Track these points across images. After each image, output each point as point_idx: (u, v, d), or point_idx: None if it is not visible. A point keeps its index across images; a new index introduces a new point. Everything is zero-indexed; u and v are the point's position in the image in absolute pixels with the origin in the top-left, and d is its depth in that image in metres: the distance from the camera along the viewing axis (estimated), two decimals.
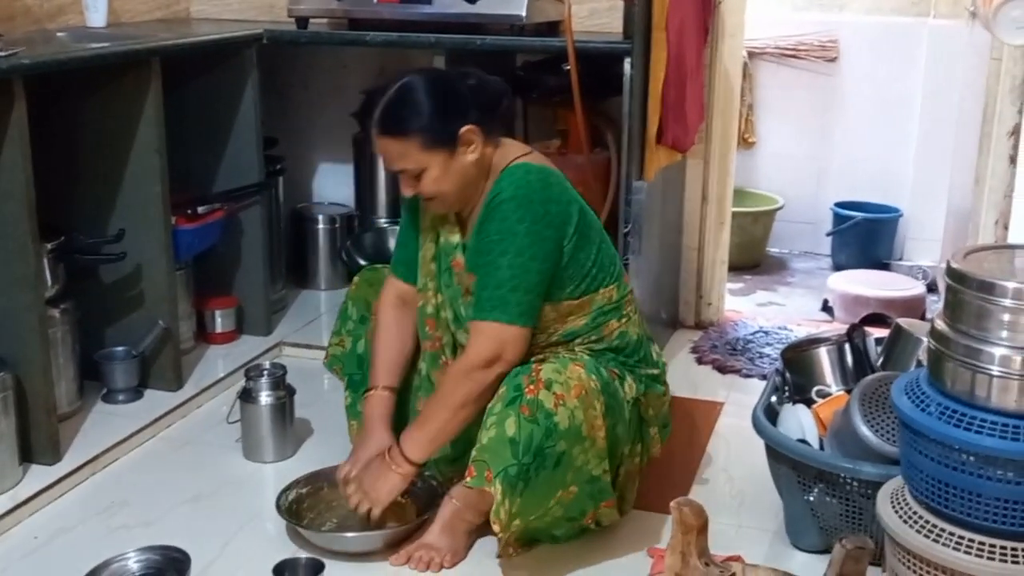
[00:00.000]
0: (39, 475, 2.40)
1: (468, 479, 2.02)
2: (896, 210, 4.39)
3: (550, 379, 2.00)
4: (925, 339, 1.92)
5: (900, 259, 4.41)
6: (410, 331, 2.30)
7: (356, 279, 2.51)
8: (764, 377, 3.04)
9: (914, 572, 1.75)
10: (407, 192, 2.13)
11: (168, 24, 3.49)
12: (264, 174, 3.22)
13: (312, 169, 3.96)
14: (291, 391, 2.62)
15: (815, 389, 2.37)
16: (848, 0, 4.45)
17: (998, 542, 1.67)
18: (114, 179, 2.75)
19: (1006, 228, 3.13)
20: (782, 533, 2.24)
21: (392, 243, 3.66)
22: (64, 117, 2.72)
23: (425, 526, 2.16)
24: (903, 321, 2.40)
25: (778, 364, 2.48)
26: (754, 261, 4.40)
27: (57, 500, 2.38)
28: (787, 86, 4.50)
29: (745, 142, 4.45)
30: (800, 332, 3.38)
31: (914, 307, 3.67)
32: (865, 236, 4.34)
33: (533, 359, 2.09)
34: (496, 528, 1.98)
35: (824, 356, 2.44)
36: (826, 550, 2.00)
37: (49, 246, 2.53)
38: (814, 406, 2.29)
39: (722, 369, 3.22)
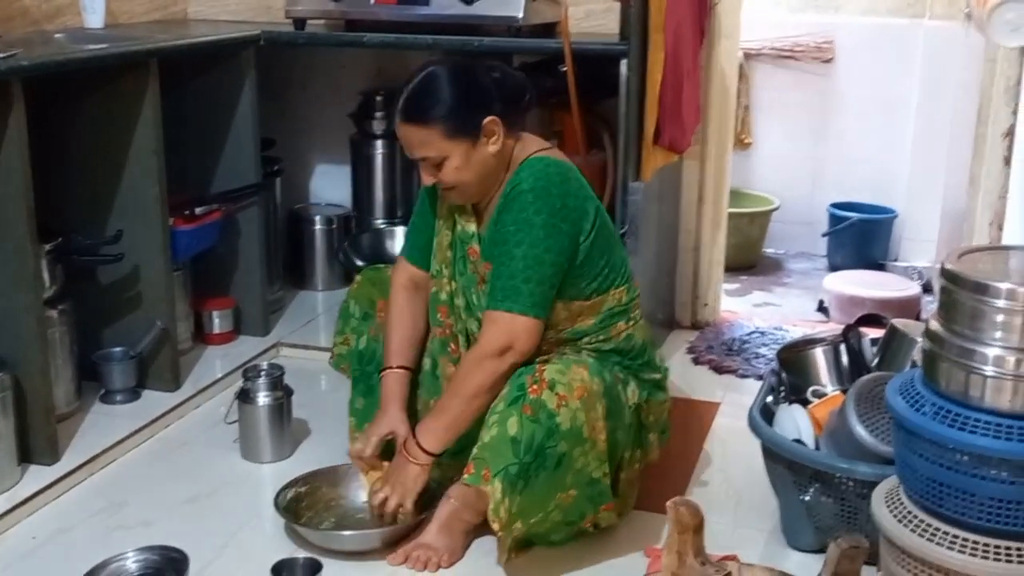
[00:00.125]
0: (37, 475, 2.41)
1: (465, 476, 2.03)
2: (891, 211, 4.41)
3: (554, 379, 2.01)
4: (920, 340, 1.93)
5: (895, 260, 4.42)
6: (422, 314, 2.31)
7: (358, 277, 2.52)
8: (760, 377, 3.04)
9: (909, 571, 1.76)
10: (427, 181, 2.14)
11: (165, 25, 3.49)
12: (262, 175, 3.23)
13: (310, 170, 3.96)
14: (289, 391, 2.62)
15: (811, 389, 2.38)
16: (844, 1, 4.46)
17: (992, 541, 1.68)
18: (112, 180, 2.75)
19: (1000, 229, 3.14)
20: (778, 533, 2.25)
21: (389, 244, 3.72)
22: (62, 118, 2.73)
23: (423, 526, 2.17)
24: (898, 322, 2.41)
25: (774, 364, 2.49)
26: (750, 262, 4.42)
27: (55, 500, 2.38)
28: (783, 87, 4.51)
29: (741, 143, 4.46)
30: (796, 332, 3.39)
31: (909, 308, 3.68)
32: (861, 237, 4.35)
33: (538, 359, 2.10)
34: (496, 526, 1.99)
35: (820, 356, 2.45)
36: (821, 549, 2.01)
37: (47, 247, 2.53)
38: (810, 406, 2.30)
39: (718, 369, 3.23)
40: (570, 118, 2.98)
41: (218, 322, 3.21)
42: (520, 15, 2.96)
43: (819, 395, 2.36)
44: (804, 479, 2.12)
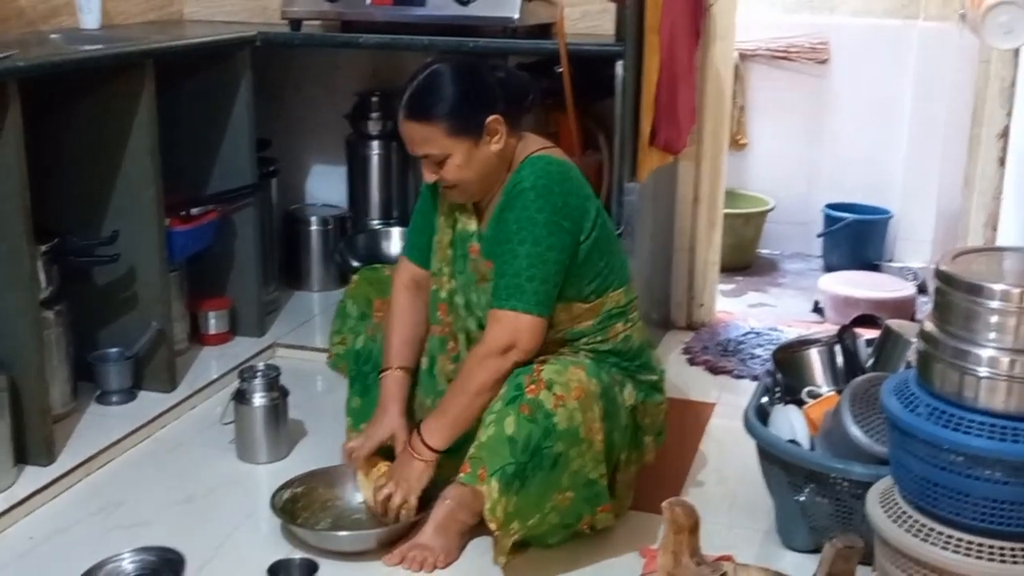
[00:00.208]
0: (33, 476, 2.41)
1: (462, 475, 2.04)
2: (886, 211, 4.42)
3: (551, 380, 2.02)
4: (914, 340, 1.94)
5: (890, 260, 4.43)
6: (424, 314, 2.32)
7: (355, 277, 2.52)
8: (755, 378, 3.05)
9: (903, 571, 1.76)
10: (429, 178, 2.15)
11: (161, 26, 3.49)
12: (257, 176, 3.23)
13: (305, 171, 3.96)
14: (284, 392, 2.62)
15: (806, 390, 2.38)
16: (838, 2, 4.47)
17: (986, 541, 1.68)
18: (108, 181, 2.75)
19: (995, 229, 3.15)
20: (773, 533, 2.25)
21: (385, 244, 3.72)
22: (58, 119, 2.73)
23: (419, 526, 2.17)
24: (893, 322, 2.41)
25: (769, 365, 2.49)
26: (745, 262, 4.42)
27: (52, 501, 2.38)
28: (778, 88, 4.52)
29: (736, 144, 4.47)
30: (791, 333, 3.39)
31: (904, 308, 3.69)
32: (856, 237, 4.36)
33: (535, 359, 2.11)
34: (492, 526, 1.99)
35: (815, 357, 2.45)
36: (816, 550, 2.02)
37: (43, 248, 2.53)
38: (805, 407, 2.30)
39: (714, 370, 3.23)
40: (566, 119, 2.98)
41: (214, 323, 3.21)
42: (516, 16, 2.96)
43: (814, 396, 2.36)
44: (799, 479, 2.13)
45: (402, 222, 3.72)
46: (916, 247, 4.37)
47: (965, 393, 1.68)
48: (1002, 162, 3.12)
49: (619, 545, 2.22)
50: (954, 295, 1.70)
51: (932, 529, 1.73)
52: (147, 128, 2.71)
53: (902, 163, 4.41)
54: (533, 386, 2.02)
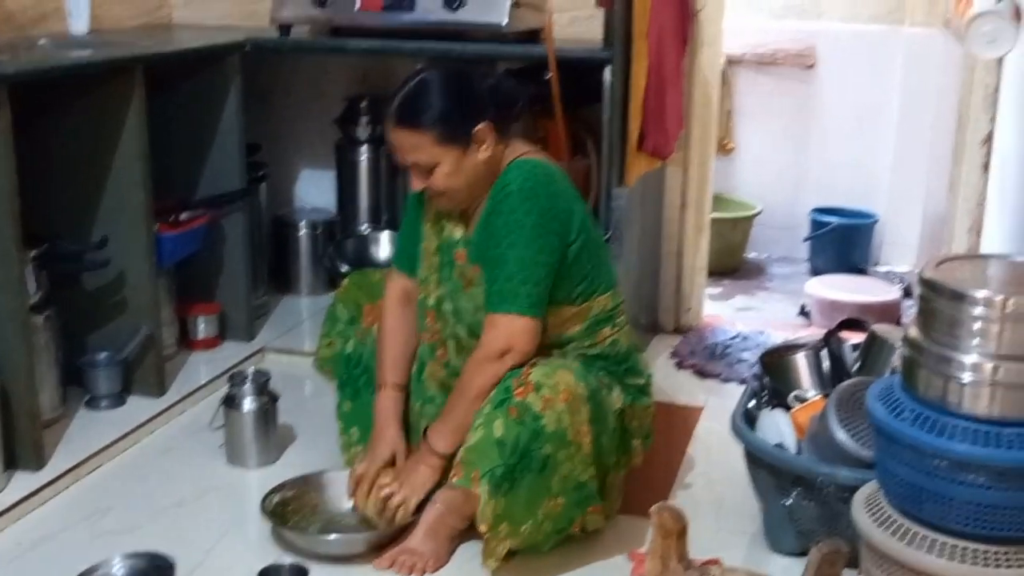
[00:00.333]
0: (23, 482, 2.40)
1: (454, 479, 2.05)
2: (873, 216, 4.44)
3: (539, 382, 2.04)
4: (899, 346, 1.95)
5: (876, 264, 4.46)
6: (415, 328, 2.33)
7: (345, 282, 2.53)
8: (743, 382, 3.06)
9: (889, 575, 1.78)
10: (417, 185, 2.16)
11: (150, 31, 3.49)
12: (247, 180, 3.23)
13: (295, 175, 3.97)
14: (274, 397, 2.63)
15: (793, 394, 2.39)
16: (825, 8, 4.49)
17: (971, 545, 1.70)
18: (97, 186, 2.75)
19: (979, 235, 3.17)
20: (760, 537, 2.27)
21: (374, 249, 3.73)
22: (47, 124, 2.72)
23: (409, 530, 2.18)
24: (878, 328, 2.43)
25: (756, 369, 2.50)
26: (732, 266, 4.44)
27: (41, 507, 2.38)
28: (765, 93, 4.54)
29: (724, 148, 4.49)
30: (778, 337, 3.40)
31: (890, 312, 3.71)
32: (842, 241, 4.38)
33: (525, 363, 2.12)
34: (483, 528, 2.01)
35: (802, 361, 2.46)
36: (803, 553, 2.03)
37: (32, 253, 2.52)
38: (792, 411, 2.32)
39: (701, 374, 3.25)
40: (554, 124, 3.00)
41: (203, 327, 3.21)
42: (504, 21, 2.97)
43: (801, 400, 2.37)
44: (786, 483, 2.14)
45: (391, 226, 3.73)
46: (902, 251, 4.39)
47: (949, 398, 1.70)
48: (986, 168, 3.14)
49: (607, 548, 2.23)
50: (938, 302, 1.72)
51: (917, 533, 1.74)
52: (136, 133, 2.71)
53: (888, 168, 4.44)
54: (521, 389, 2.03)
